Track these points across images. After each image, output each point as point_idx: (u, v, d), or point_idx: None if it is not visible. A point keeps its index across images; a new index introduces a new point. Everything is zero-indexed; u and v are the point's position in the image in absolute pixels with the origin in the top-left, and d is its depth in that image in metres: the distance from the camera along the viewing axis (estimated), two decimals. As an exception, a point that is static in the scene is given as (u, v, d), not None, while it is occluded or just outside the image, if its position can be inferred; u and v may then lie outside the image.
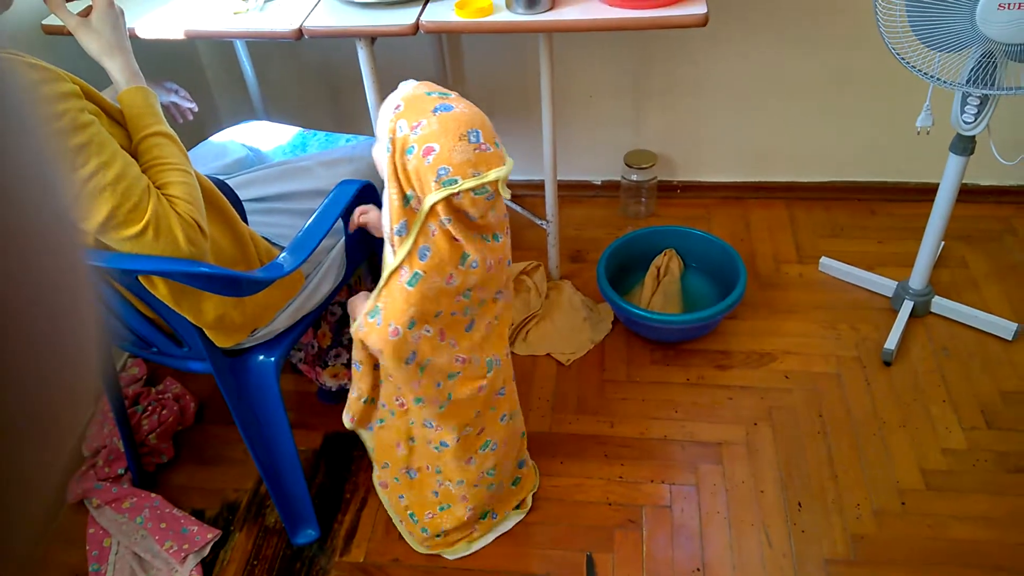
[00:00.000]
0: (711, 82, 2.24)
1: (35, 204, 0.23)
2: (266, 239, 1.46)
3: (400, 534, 1.62)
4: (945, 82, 1.59)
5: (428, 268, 1.19)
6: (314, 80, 2.42)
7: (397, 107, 1.14)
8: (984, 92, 1.57)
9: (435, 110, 1.11)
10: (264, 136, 1.89)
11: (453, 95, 1.15)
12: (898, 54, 1.59)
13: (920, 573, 1.48)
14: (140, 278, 1.23)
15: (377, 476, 1.64)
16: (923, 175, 2.31)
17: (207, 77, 2.42)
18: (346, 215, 1.46)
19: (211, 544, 1.63)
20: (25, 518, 0.24)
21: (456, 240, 1.19)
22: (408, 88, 1.16)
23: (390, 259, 1.22)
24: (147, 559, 1.61)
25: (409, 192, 1.15)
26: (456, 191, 1.11)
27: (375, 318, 1.25)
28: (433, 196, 1.12)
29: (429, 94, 1.14)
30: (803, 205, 2.39)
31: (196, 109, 1.71)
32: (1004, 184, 2.30)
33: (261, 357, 1.47)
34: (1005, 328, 1.90)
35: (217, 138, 1.86)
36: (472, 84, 2.35)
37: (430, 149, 1.10)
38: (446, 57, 2.29)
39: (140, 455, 1.78)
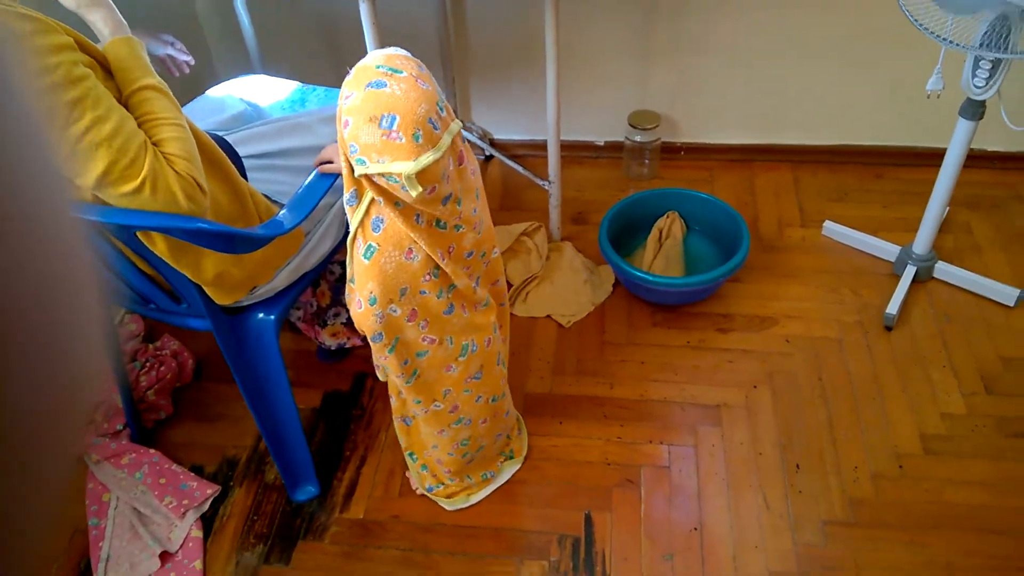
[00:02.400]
0: (717, 43, 2.20)
1: (23, 182, 0.21)
2: (266, 196, 1.44)
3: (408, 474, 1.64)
4: (957, 45, 1.56)
5: (382, 241, 1.15)
6: (313, 33, 2.37)
7: (348, 73, 1.09)
8: (997, 56, 1.54)
9: (368, 85, 1.05)
10: (262, 91, 1.85)
11: (404, 73, 1.06)
12: (911, 15, 1.55)
13: (917, 536, 1.49)
14: (139, 234, 1.21)
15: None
16: (930, 139, 2.28)
17: (203, 29, 2.37)
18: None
19: (211, 500, 1.64)
20: (26, 529, 0.23)
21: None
22: (370, 57, 1.11)
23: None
24: (147, 514, 1.62)
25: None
26: (365, 172, 1.06)
27: (352, 284, 1.23)
28: (356, 168, 1.08)
29: (378, 67, 1.07)
30: (808, 168, 2.37)
31: (192, 62, 1.67)
32: (1011, 150, 2.28)
33: (261, 315, 1.46)
34: (1007, 294, 1.89)
35: (214, 92, 1.83)
36: (474, 41, 2.31)
37: (346, 122, 1.06)
38: (448, 12, 2.25)
39: (139, 411, 1.78)
